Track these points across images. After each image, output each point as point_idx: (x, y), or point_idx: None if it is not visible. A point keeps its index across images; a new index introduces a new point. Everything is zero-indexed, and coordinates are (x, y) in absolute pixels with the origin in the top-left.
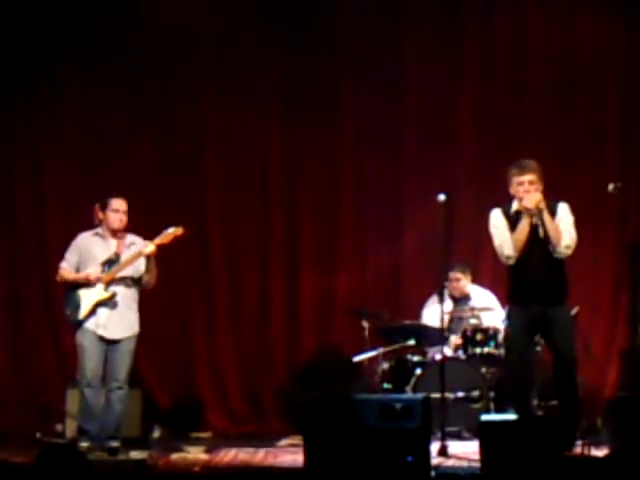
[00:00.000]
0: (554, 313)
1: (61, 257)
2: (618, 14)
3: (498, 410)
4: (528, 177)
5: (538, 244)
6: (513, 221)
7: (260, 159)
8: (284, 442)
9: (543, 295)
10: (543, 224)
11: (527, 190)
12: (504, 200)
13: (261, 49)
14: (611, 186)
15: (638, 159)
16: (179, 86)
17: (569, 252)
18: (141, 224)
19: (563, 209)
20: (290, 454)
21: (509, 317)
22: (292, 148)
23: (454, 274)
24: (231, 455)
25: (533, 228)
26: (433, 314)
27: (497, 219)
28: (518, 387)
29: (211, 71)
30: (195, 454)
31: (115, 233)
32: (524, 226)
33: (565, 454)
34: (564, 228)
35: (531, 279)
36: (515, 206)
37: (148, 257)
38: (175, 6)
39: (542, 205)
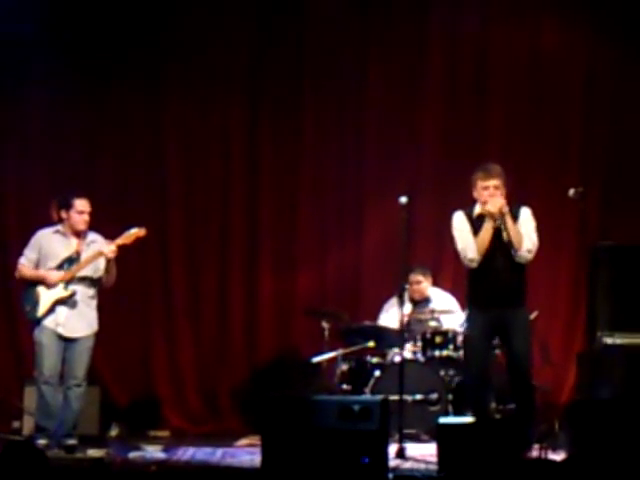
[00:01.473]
0: (513, 315)
1: (19, 253)
2: (582, 23)
3: (456, 413)
4: (493, 182)
5: (500, 248)
6: (475, 224)
7: (220, 159)
8: (242, 442)
9: (503, 298)
10: (506, 228)
11: (492, 195)
12: (466, 203)
13: (227, 52)
14: (572, 191)
15: (600, 165)
16: (142, 85)
17: (530, 256)
18: (100, 223)
19: (525, 214)
20: (248, 454)
21: (468, 320)
22: (253, 148)
23: (415, 276)
24: (189, 454)
25: (496, 232)
26: (392, 316)
27: (460, 222)
28: (476, 390)
29: (175, 74)
30: (152, 452)
31: (78, 233)
32: (487, 230)
33: (522, 457)
34: (525, 232)
35: (492, 282)
36: (478, 209)
37: (108, 257)
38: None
39: (505, 210)
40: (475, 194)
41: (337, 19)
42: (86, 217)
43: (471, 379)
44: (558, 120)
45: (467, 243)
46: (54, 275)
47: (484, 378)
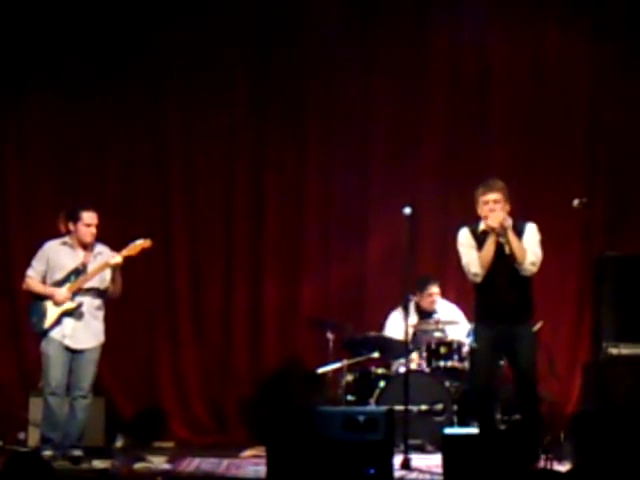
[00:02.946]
0: (518, 330)
1: (25, 264)
2: (586, 30)
3: (461, 424)
4: (493, 196)
5: (504, 262)
6: (480, 240)
7: (225, 171)
8: (247, 453)
9: (508, 313)
10: (508, 242)
11: (492, 209)
12: (470, 215)
13: (231, 65)
14: (576, 201)
15: (604, 175)
16: (145, 92)
17: (534, 269)
18: (105, 235)
19: (531, 229)
20: (253, 465)
21: (475, 333)
22: (257, 160)
23: (432, 287)
24: (194, 465)
25: (499, 247)
26: (396, 327)
27: (464, 237)
28: (481, 403)
29: (178, 84)
30: (157, 464)
31: (85, 245)
32: (490, 245)
33: (528, 468)
34: (529, 246)
35: (497, 297)
36: (482, 226)
37: (114, 268)
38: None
39: (506, 224)
40: (478, 210)
41: (340, 31)
42: (93, 230)
43: (477, 393)
44: (562, 130)
45: (470, 258)
46: (61, 295)
47: (489, 391)
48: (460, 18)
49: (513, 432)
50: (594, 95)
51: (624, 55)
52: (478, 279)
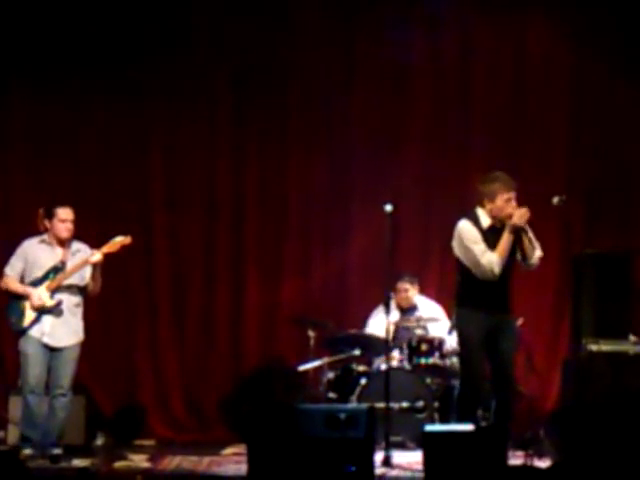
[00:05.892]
0: (505, 321)
1: (3, 263)
2: (568, 31)
3: (442, 420)
4: (514, 194)
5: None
6: (486, 235)
7: (206, 169)
8: (228, 451)
9: (499, 305)
10: (525, 239)
11: (516, 207)
12: (451, 211)
13: (211, 64)
14: (555, 199)
15: (584, 172)
16: (126, 92)
17: (539, 262)
18: (85, 233)
19: None
20: (234, 463)
21: (464, 319)
22: (238, 158)
23: (403, 284)
24: (174, 463)
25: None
26: (379, 324)
27: (473, 235)
28: (473, 390)
29: (160, 85)
30: (138, 462)
31: (62, 241)
32: (508, 242)
33: (508, 465)
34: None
35: (492, 290)
36: (486, 219)
37: (94, 265)
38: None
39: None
40: (490, 205)
41: (321, 32)
42: (69, 225)
43: (469, 378)
44: (543, 128)
45: (491, 259)
46: (36, 299)
47: (481, 380)
48: (442, 14)
49: (494, 428)
50: (576, 93)
51: (606, 52)
52: (496, 279)
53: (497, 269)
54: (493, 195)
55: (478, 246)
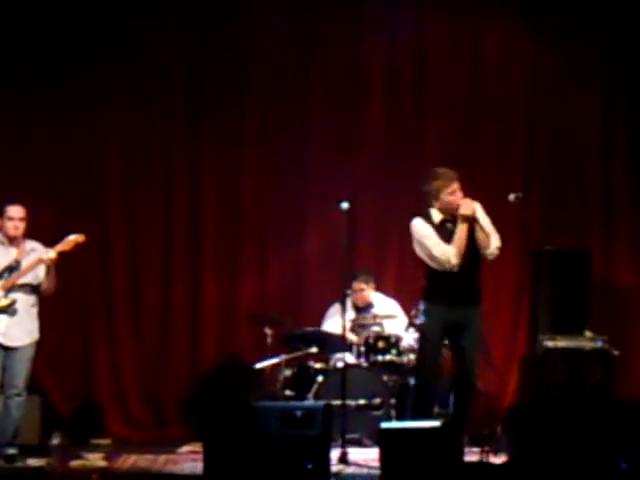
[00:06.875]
0: (471, 313)
1: None
2: (524, 28)
3: (399, 417)
4: (457, 184)
5: (466, 248)
6: (438, 230)
7: (163, 165)
8: (184, 449)
9: (465, 297)
10: (478, 228)
11: (462, 198)
12: (408, 208)
13: (167, 62)
14: (512, 196)
15: (540, 169)
16: (81, 98)
17: (498, 252)
18: (43, 232)
19: (481, 211)
20: (190, 461)
21: (426, 313)
22: (195, 155)
23: (358, 284)
24: (130, 461)
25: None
26: (335, 322)
27: (426, 230)
28: (426, 387)
29: (115, 84)
30: (94, 461)
31: (12, 240)
32: (463, 232)
33: (464, 461)
34: (489, 229)
35: (455, 282)
36: (438, 215)
37: (48, 264)
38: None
39: (476, 210)
40: (437, 204)
41: (278, 31)
42: (17, 223)
43: (424, 374)
44: (499, 125)
45: (445, 249)
46: None
47: (436, 374)
48: (397, 13)
49: (450, 425)
50: (532, 92)
51: (562, 54)
52: (456, 269)
53: (454, 260)
54: (437, 192)
55: (430, 240)
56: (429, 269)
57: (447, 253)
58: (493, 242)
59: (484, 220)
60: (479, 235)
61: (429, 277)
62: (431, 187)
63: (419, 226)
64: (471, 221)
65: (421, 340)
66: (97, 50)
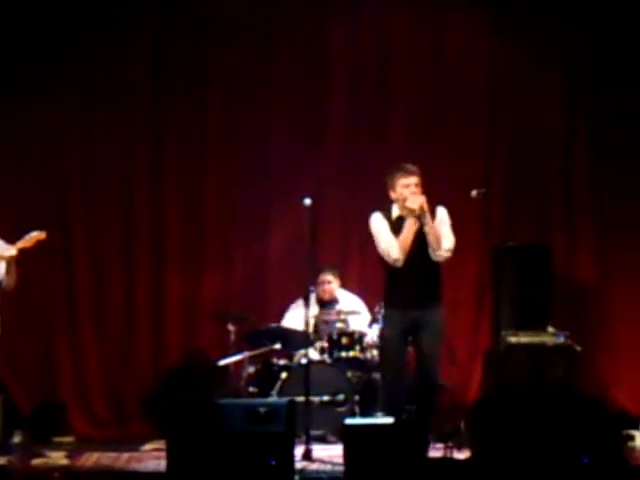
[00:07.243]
0: (429, 315)
1: None
2: (486, 23)
3: (363, 414)
4: (414, 179)
5: (420, 248)
6: (395, 225)
7: (125, 160)
8: (148, 446)
9: (420, 298)
10: (425, 227)
11: (413, 192)
12: (371, 205)
13: (128, 57)
14: (474, 192)
15: (502, 165)
16: (41, 91)
17: (449, 255)
18: (3, 229)
19: (442, 212)
20: (154, 458)
21: (385, 320)
22: (157, 150)
23: (324, 276)
24: (93, 459)
25: (416, 232)
26: (297, 317)
27: (379, 223)
28: (391, 390)
29: (78, 78)
30: (56, 459)
31: None
32: (410, 228)
33: (426, 457)
34: (444, 232)
35: (410, 282)
36: (396, 211)
37: (9, 260)
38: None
39: (425, 208)
40: (393, 195)
41: (240, 24)
42: None
43: (387, 379)
44: (461, 120)
45: (389, 243)
46: None
47: (400, 378)
48: (360, 5)
49: (414, 421)
50: (494, 86)
51: (524, 46)
52: (399, 264)
53: (394, 254)
54: (393, 183)
55: (382, 234)
56: (387, 271)
57: (389, 246)
58: (444, 244)
59: (442, 223)
60: (428, 235)
61: (387, 280)
62: (389, 178)
63: (375, 221)
64: (417, 217)
65: (381, 347)
66: (50, 45)
